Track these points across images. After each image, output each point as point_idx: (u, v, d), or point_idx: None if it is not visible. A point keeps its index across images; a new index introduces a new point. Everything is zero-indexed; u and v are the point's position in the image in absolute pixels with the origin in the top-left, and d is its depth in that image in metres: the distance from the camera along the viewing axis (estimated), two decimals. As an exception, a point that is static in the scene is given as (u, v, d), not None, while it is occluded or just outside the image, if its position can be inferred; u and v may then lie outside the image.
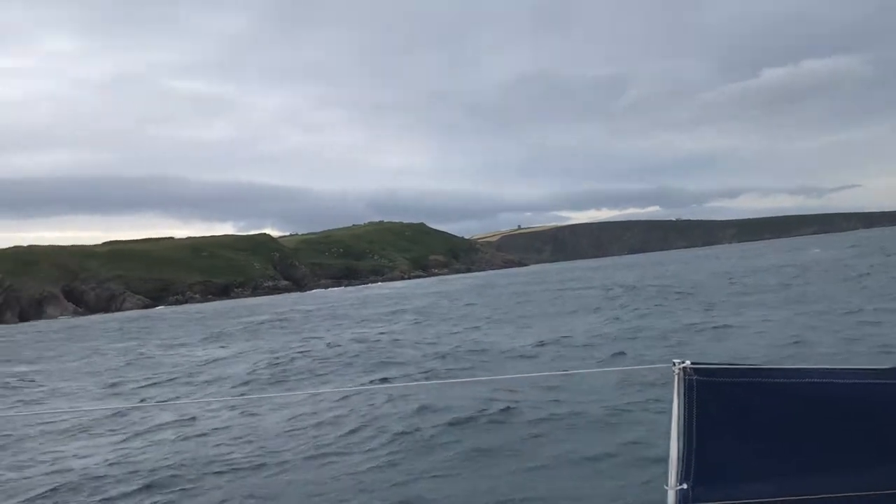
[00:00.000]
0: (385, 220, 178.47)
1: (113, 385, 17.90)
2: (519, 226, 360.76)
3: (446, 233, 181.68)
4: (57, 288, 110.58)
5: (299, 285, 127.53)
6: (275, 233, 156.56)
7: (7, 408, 15.62)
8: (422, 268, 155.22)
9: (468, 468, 7.96)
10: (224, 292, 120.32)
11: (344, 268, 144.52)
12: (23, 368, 24.39)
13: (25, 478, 9.17)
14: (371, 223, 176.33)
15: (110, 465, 9.44)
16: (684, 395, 2.32)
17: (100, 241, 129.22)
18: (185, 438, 10.61)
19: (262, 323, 38.65)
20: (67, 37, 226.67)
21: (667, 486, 2.34)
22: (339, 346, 21.96)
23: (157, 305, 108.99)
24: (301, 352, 21.26)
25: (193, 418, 11.89)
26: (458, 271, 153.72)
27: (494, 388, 11.78)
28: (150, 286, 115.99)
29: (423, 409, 10.72)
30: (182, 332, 37.50)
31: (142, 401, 14.87)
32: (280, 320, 39.56)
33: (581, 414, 9.58)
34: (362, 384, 14.00)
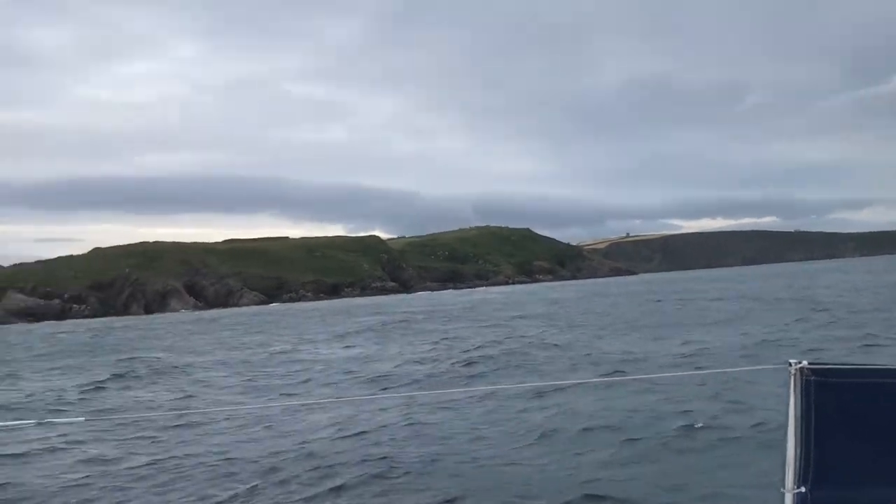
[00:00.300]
0: (491, 225, 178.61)
1: (285, 377, 18.33)
2: (627, 233, 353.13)
3: (552, 238, 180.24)
4: (179, 283, 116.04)
5: (406, 287, 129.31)
6: (383, 235, 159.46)
7: (180, 399, 16.25)
8: (526, 273, 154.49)
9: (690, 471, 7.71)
10: (334, 291, 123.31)
11: (449, 271, 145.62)
12: (188, 359, 25.29)
13: (217, 463, 9.54)
14: (476, 227, 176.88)
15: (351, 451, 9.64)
16: (801, 396, 2.33)
17: (220, 239, 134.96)
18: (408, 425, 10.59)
19: (390, 321, 39.22)
20: (194, 43, 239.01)
21: (783, 488, 2.32)
22: (500, 343, 21.87)
23: (272, 302, 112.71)
24: (473, 348, 21.38)
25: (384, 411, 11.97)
26: (563, 278, 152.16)
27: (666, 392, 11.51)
28: (266, 283, 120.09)
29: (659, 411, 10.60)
30: (318, 327, 38.43)
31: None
32: (403, 321, 39.96)
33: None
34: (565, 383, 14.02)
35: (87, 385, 18.84)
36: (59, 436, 11.49)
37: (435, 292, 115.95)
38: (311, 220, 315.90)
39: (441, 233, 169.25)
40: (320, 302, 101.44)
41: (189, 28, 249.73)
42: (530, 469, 8.36)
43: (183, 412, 13.27)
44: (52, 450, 10.80)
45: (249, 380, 18.60)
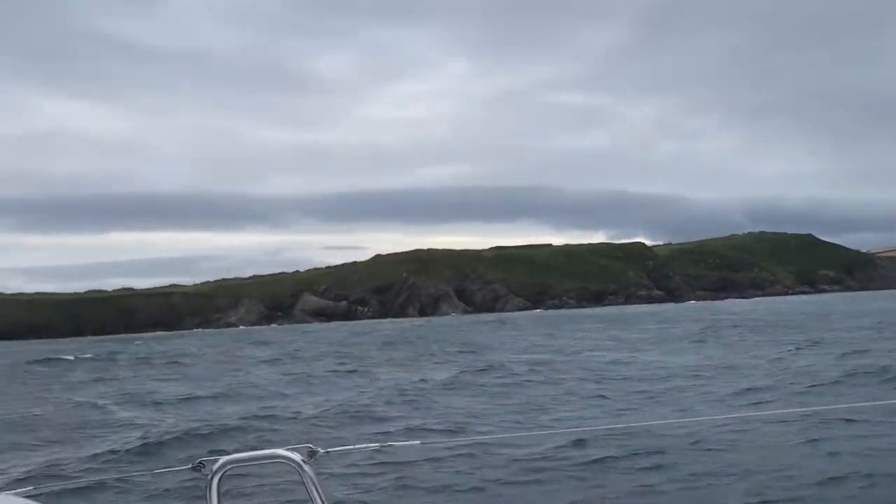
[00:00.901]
0: (766, 231, 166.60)
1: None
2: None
3: (838, 245, 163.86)
4: (450, 287, 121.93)
5: (673, 295, 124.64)
6: (647, 241, 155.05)
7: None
8: (808, 283, 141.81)
9: None
10: (598, 298, 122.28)
11: (719, 279, 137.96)
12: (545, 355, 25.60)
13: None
14: (750, 233, 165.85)
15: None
16: None
17: (487, 246, 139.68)
18: None
19: (710, 327, 37.24)
20: (464, 60, 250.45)
21: None
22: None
23: (536, 308, 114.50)
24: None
25: None
26: (851, 289, 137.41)
27: None
28: (530, 290, 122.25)
29: None
30: (623, 333, 36.97)
31: None
32: (735, 325, 37.70)
33: None
34: None
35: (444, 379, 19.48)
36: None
37: (705, 301, 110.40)
38: (573, 228, 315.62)
39: (710, 239, 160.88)
40: (584, 309, 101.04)
41: (458, 47, 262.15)
42: None
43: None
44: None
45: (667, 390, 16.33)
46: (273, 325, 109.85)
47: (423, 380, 19.81)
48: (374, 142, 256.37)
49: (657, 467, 9.11)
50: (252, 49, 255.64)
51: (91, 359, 40.14)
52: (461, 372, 21.25)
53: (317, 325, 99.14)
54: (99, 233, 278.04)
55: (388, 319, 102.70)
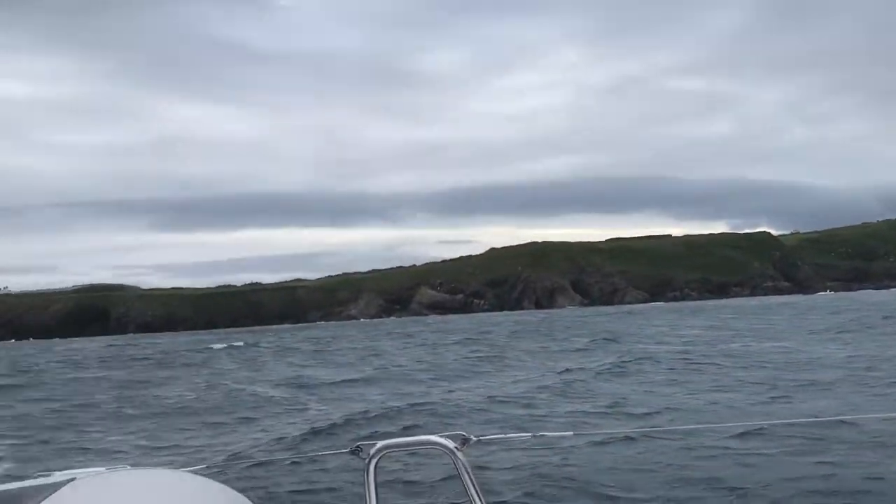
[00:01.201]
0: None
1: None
2: None
3: None
4: (566, 280, 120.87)
5: (802, 287, 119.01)
6: (772, 230, 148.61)
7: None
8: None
9: None
10: (721, 290, 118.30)
11: (852, 269, 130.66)
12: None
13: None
14: (885, 221, 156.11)
15: None
16: None
17: (602, 238, 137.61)
18: None
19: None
20: (577, 48, 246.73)
21: None
22: None
23: (656, 301, 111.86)
24: None
25: None
26: None
27: None
28: (650, 282, 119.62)
29: None
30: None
31: None
32: (887, 317, 34.49)
33: None
34: None
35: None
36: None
37: (839, 293, 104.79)
38: (693, 218, 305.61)
39: (840, 227, 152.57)
40: (708, 301, 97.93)
41: (571, 36, 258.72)
42: None
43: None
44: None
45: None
46: (392, 318, 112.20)
47: (567, 369, 19.74)
48: (487, 135, 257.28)
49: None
50: (365, 48, 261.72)
51: (241, 347, 42.26)
52: (608, 361, 21.06)
53: (436, 318, 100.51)
54: (227, 230, 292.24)
55: (505, 312, 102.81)
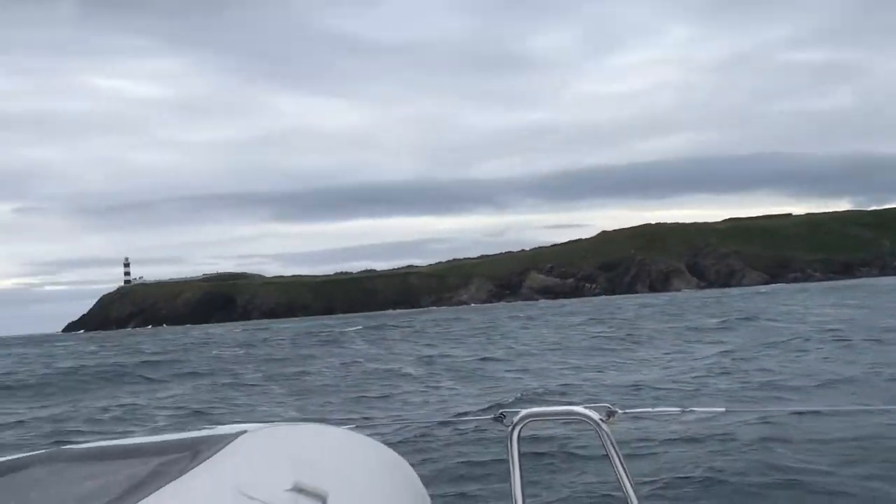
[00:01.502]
0: None
1: None
2: None
3: None
4: (681, 262, 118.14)
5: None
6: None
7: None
8: None
9: None
10: (846, 270, 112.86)
11: None
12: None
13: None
14: None
15: None
16: None
17: (719, 219, 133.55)
18: None
19: None
20: (685, 25, 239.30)
21: None
22: None
23: (776, 282, 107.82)
24: None
25: None
26: None
27: None
28: (768, 262, 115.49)
29: None
30: None
31: None
32: None
33: None
34: None
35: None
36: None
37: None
38: (814, 196, 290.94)
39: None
40: (835, 282, 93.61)
41: (681, 12, 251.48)
42: None
43: None
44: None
45: None
46: (503, 303, 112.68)
47: (717, 343, 19.53)
48: (594, 116, 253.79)
49: None
50: (470, 35, 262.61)
51: (371, 328, 43.79)
52: (755, 340, 20.59)
53: (547, 302, 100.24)
54: (340, 220, 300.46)
55: (618, 296, 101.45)
